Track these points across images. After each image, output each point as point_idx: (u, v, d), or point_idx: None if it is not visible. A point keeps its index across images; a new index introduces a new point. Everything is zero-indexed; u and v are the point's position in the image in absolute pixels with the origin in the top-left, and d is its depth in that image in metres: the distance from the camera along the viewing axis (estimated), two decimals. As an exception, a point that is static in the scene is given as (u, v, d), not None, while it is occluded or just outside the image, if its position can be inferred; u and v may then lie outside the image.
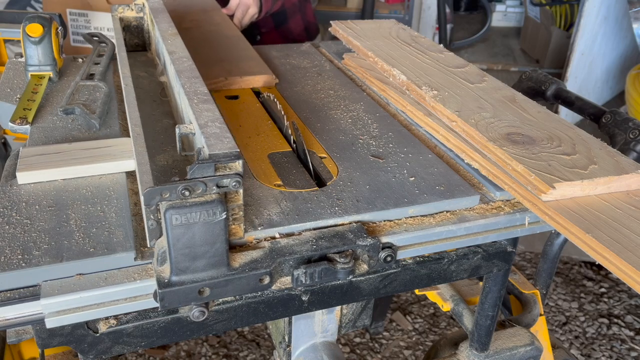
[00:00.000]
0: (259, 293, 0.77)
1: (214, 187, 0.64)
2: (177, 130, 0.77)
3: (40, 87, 1.09)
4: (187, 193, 0.63)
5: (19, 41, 2.05)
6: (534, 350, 1.10)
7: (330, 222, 0.77)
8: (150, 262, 0.70)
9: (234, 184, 0.65)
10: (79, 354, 0.74)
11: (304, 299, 0.80)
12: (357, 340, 2.23)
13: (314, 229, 0.77)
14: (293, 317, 1.09)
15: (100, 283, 0.67)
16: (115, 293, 0.67)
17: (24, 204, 0.77)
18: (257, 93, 1.18)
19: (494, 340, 1.08)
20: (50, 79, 1.14)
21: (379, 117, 1.09)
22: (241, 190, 0.67)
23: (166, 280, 0.66)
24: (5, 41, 2.08)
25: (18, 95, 1.09)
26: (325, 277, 0.72)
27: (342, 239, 0.74)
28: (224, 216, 0.65)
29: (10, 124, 0.97)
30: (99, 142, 0.91)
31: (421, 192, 0.84)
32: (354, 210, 0.79)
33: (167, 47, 1.00)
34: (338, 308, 1.17)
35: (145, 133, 0.84)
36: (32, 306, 0.66)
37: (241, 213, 0.70)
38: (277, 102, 1.05)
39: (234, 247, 0.72)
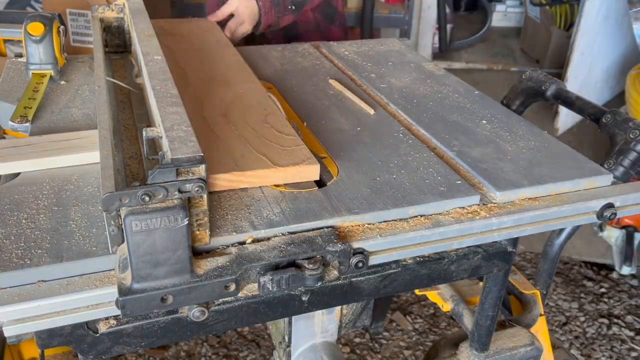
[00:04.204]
0: (259, 293, 0.77)
1: (176, 193, 0.63)
2: (143, 134, 0.75)
3: (41, 86, 1.09)
4: (147, 198, 0.61)
5: (19, 41, 2.05)
6: (534, 351, 1.10)
7: (330, 222, 0.77)
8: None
9: (196, 189, 0.64)
10: (78, 354, 0.74)
11: (304, 299, 0.80)
12: (357, 340, 2.23)
13: (313, 229, 0.76)
14: (293, 317, 1.09)
15: (60, 291, 0.66)
16: (75, 301, 0.66)
17: (24, 203, 0.77)
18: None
19: (494, 341, 1.08)
20: (51, 77, 1.14)
21: (380, 117, 1.09)
22: (205, 195, 0.65)
23: (127, 288, 0.64)
24: (5, 41, 2.08)
25: (23, 89, 1.09)
26: (293, 283, 0.70)
27: (311, 244, 0.73)
28: (186, 222, 0.63)
29: (10, 122, 0.97)
30: (68, 135, 0.91)
31: (421, 192, 0.84)
32: (354, 210, 0.79)
33: (142, 48, 0.98)
34: (338, 308, 1.17)
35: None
36: None
37: (206, 219, 0.68)
38: (277, 102, 1.05)
39: (200, 253, 0.70)
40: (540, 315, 1.23)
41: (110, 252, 0.69)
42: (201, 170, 0.64)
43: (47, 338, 0.71)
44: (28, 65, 1.13)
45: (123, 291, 0.64)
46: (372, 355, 2.16)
